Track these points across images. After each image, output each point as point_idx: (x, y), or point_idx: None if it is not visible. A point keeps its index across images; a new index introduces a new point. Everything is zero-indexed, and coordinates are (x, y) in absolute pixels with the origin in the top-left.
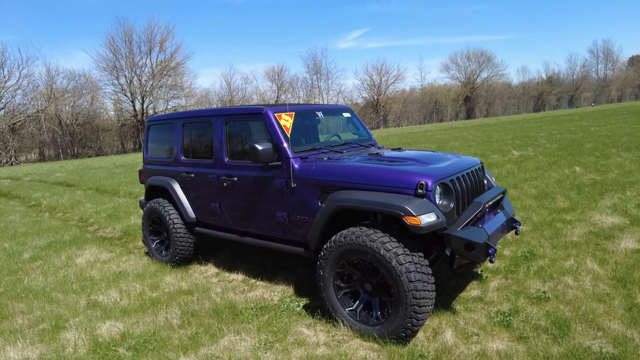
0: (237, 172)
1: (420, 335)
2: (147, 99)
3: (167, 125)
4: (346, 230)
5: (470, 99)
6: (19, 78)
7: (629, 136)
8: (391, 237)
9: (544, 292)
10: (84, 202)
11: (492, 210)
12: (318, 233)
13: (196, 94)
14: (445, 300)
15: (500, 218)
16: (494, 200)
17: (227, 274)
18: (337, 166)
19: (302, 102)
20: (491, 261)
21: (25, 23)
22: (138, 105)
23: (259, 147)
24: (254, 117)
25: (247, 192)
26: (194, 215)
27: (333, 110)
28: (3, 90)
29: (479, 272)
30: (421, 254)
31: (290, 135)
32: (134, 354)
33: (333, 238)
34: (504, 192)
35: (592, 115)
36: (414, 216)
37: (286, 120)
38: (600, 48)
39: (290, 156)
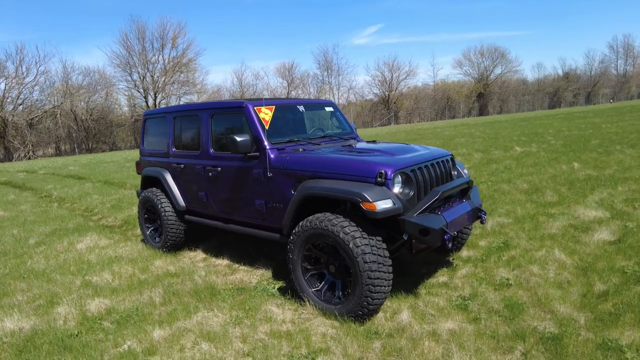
0: (221, 162)
1: (380, 315)
2: (160, 95)
3: (160, 118)
4: (312, 216)
5: (484, 96)
6: (36, 75)
7: (638, 133)
8: (351, 222)
9: (507, 279)
10: (92, 194)
11: (458, 200)
12: (290, 219)
13: (208, 90)
14: (412, 285)
15: (464, 207)
16: (455, 189)
17: (213, 259)
18: (308, 157)
19: (304, 97)
20: (447, 246)
21: (42, 22)
22: (151, 101)
23: (238, 139)
24: (235, 110)
25: (230, 181)
26: (183, 204)
27: (316, 105)
28: (21, 87)
29: (451, 260)
30: (379, 238)
31: (268, 127)
32: (117, 326)
33: (301, 223)
34: (468, 183)
35: (607, 112)
36: (370, 202)
37: (265, 114)
38: (620, 43)
39: (267, 147)
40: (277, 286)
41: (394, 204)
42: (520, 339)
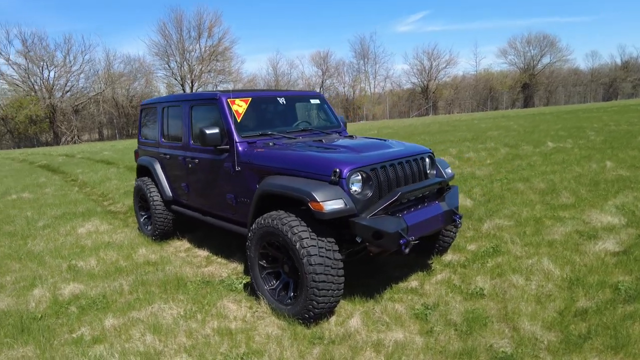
0: (198, 154)
1: (333, 318)
2: (197, 83)
3: (153, 109)
4: (268, 213)
5: (529, 86)
6: (82, 63)
7: None
8: (301, 222)
9: (482, 289)
10: (112, 179)
11: (430, 201)
12: (252, 215)
13: (243, 78)
14: (379, 288)
15: (435, 209)
16: (422, 190)
17: (195, 250)
18: (271, 152)
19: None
20: (403, 252)
21: (88, 11)
22: (188, 89)
23: (207, 132)
24: (210, 102)
25: (205, 174)
26: (170, 194)
27: (300, 97)
28: (69, 75)
29: (430, 264)
30: (331, 240)
31: (244, 120)
32: (80, 311)
33: (257, 220)
34: (441, 183)
35: None
36: (317, 202)
37: (239, 106)
38: None
39: (237, 140)
40: (244, 281)
41: (346, 204)
42: (469, 356)
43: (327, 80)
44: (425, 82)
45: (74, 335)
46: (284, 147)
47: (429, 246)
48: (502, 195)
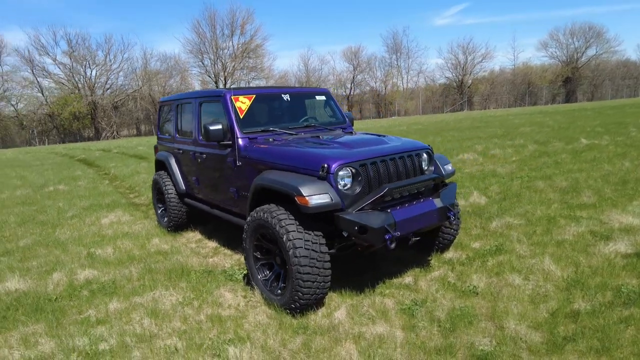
0: (206, 149)
1: (321, 310)
2: (230, 80)
3: (169, 105)
4: (260, 207)
5: (572, 80)
6: (121, 61)
7: None
8: (289, 215)
9: (475, 287)
10: (141, 173)
11: (425, 198)
12: (248, 209)
13: (275, 75)
14: (372, 283)
15: (427, 206)
16: (414, 186)
17: (206, 241)
18: (268, 148)
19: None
20: (389, 247)
21: (128, 11)
22: (222, 86)
23: (210, 128)
24: (216, 99)
25: (212, 168)
26: (184, 188)
27: (305, 94)
28: (109, 73)
29: (429, 260)
30: (318, 234)
31: (245, 116)
32: (90, 295)
33: (251, 213)
34: (435, 179)
35: None
36: (303, 196)
37: (242, 103)
38: None
39: (238, 136)
40: (244, 272)
41: (332, 199)
42: (447, 353)
43: (358, 76)
44: (460, 76)
45: (82, 316)
46: (282, 143)
47: (428, 243)
48: (519, 194)
